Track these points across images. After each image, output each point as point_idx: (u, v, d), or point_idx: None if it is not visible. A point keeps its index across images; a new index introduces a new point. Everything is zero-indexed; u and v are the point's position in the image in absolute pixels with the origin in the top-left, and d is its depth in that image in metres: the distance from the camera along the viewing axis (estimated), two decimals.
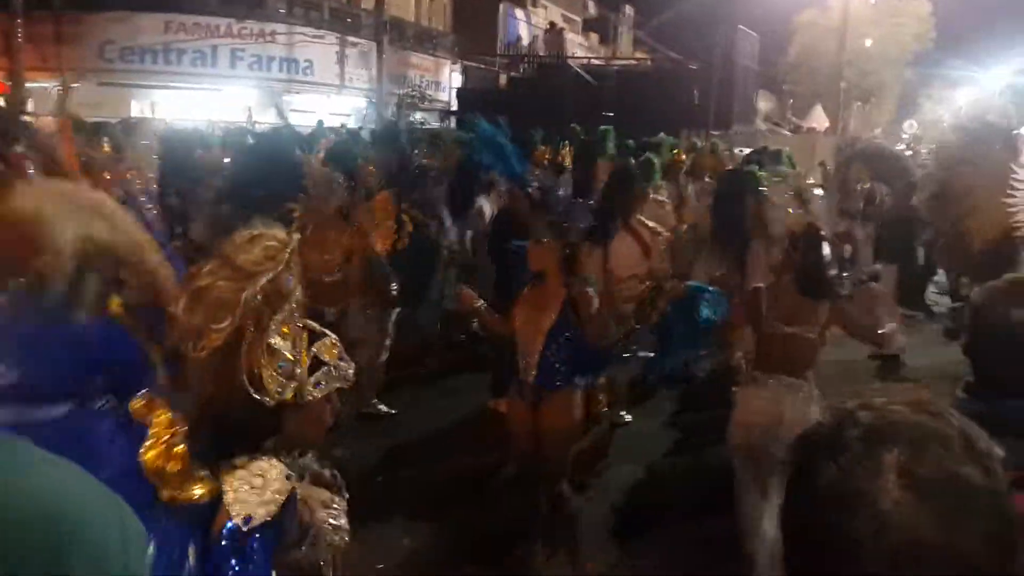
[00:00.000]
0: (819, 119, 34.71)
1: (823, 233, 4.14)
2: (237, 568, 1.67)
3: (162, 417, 1.78)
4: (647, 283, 5.38)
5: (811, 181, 7.14)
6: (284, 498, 1.79)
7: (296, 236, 1.92)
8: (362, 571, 4.02)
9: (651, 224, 6.34)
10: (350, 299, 5.42)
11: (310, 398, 1.86)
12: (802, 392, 3.92)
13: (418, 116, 21.52)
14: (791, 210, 4.28)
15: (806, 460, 0.95)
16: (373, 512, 4.46)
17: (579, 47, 32.88)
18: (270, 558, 1.73)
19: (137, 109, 17.98)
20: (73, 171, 2.77)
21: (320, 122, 6.04)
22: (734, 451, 4.05)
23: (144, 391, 1.85)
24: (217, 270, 1.80)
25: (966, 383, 1.84)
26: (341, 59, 23.15)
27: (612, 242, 5.68)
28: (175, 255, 2.41)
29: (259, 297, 1.79)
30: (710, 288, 4.67)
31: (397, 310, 6.09)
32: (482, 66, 24.16)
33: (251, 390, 1.77)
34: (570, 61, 21.31)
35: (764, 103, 39.60)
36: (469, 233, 8.17)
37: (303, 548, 1.85)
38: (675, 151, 9.79)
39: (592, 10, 41.01)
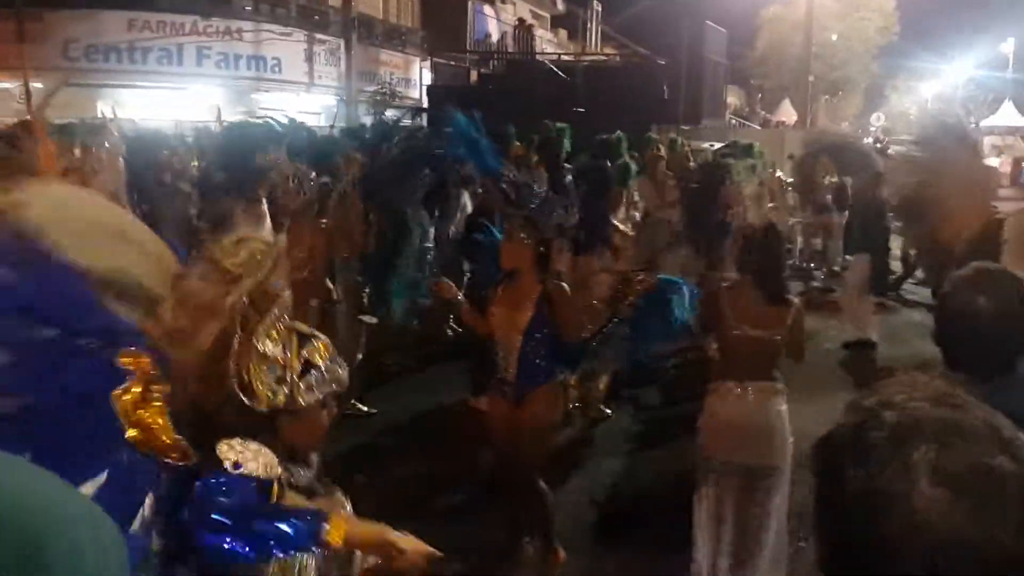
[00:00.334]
0: (787, 113, 35.08)
1: (780, 231, 4.16)
2: (218, 498, 1.66)
3: (145, 367, 1.76)
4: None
5: (779, 175, 7.20)
6: (274, 471, 1.77)
7: (282, 238, 1.92)
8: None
9: (620, 227, 6.38)
10: (317, 298, 5.37)
11: (303, 403, 1.83)
12: (773, 394, 3.92)
13: (389, 113, 21.37)
14: (769, 204, 4.31)
15: (832, 465, 0.93)
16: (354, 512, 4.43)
17: (548, 43, 32.89)
18: (248, 503, 1.71)
19: (102, 109, 17.75)
20: (52, 175, 2.72)
21: (291, 119, 5.98)
22: (703, 459, 4.03)
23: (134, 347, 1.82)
24: (203, 274, 1.79)
25: (940, 372, 1.87)
26: (309, 57, 22.97)
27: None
28: None
29: (246, 301, 1.77)
30: (680, 280, 4.67)
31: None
32: (452, 63, 24.10)
33: (241, 396, 1.76)
34: (541, 57, 21.32)
35: (733, 98, 39.88)
36: (453, 229, 8.16)
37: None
38: (656, 147, 9.85)
39: (560, 6, 41.02)
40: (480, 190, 7.34)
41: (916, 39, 41.67)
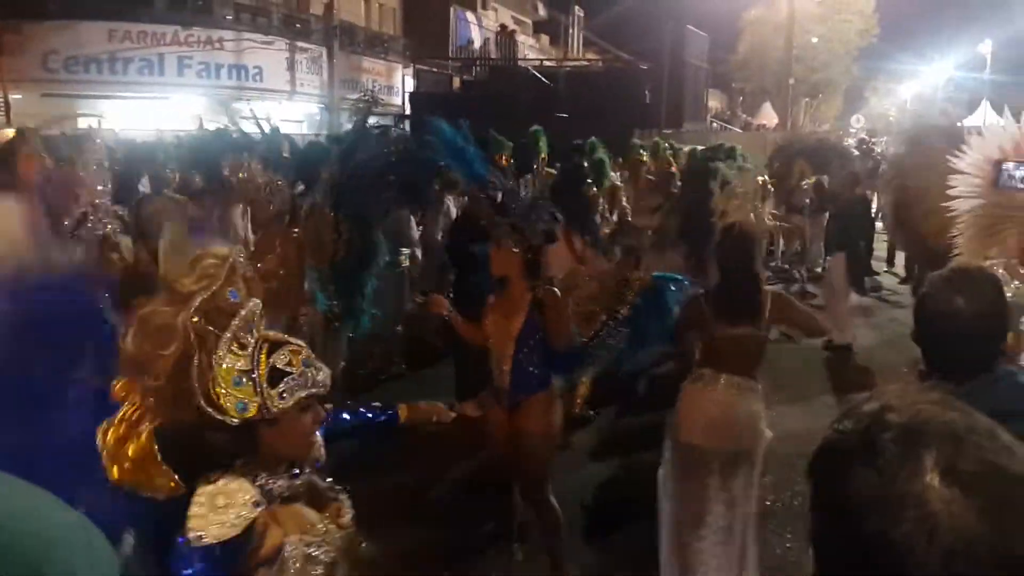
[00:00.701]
0: (768, 116, 35.30)
1: (749, 229, 4.10)
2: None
3: (135, 400, 1.77)
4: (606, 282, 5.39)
5: (761, 178, 7.23)
6: (243, 524, 1.77)
7: (238, 250, 1.90)
8: None
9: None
10: (290, 307, 5.31)
11: (276, 410, 1.82)
12: (747, 390, 3.93)
13: (372, 121, 21.32)
14: (756, 205, 4.29)
15: (836, 470, 0.92)
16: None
17: (531, 49, 32.96)
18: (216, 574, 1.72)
19: (83, 120, 17.66)
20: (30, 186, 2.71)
21: (276, 128, 5.94)
22: (675, 449, 4.01)
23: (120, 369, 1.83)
24: (159, 297, 1.79)
25: (919, 371, 1.88)
26: (291, 65, 22.96)
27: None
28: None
29: (200, 319, 1.76)
30: (679, 277, 4.61)
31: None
32: (434, 69, 24.08)
33: (211, 411, 1.75)
34: (523, 63, 21.36)
35: (714, 101, 40.12)
36: (440, 234, 8.16)
37: (267, 569, 1.81)
38: (639, 153, 9.90)
39: (542, 12, 41.16)
40: (465, 196, 7.33)
41: (896, 41, 42.05)
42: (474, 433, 4.70)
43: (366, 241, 5.22)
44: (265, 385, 1.80)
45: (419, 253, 8.73)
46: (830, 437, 0.95)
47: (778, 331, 4.44)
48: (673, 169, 9.35)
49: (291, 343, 1.90)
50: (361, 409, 2.63)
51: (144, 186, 7.27)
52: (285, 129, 11.02)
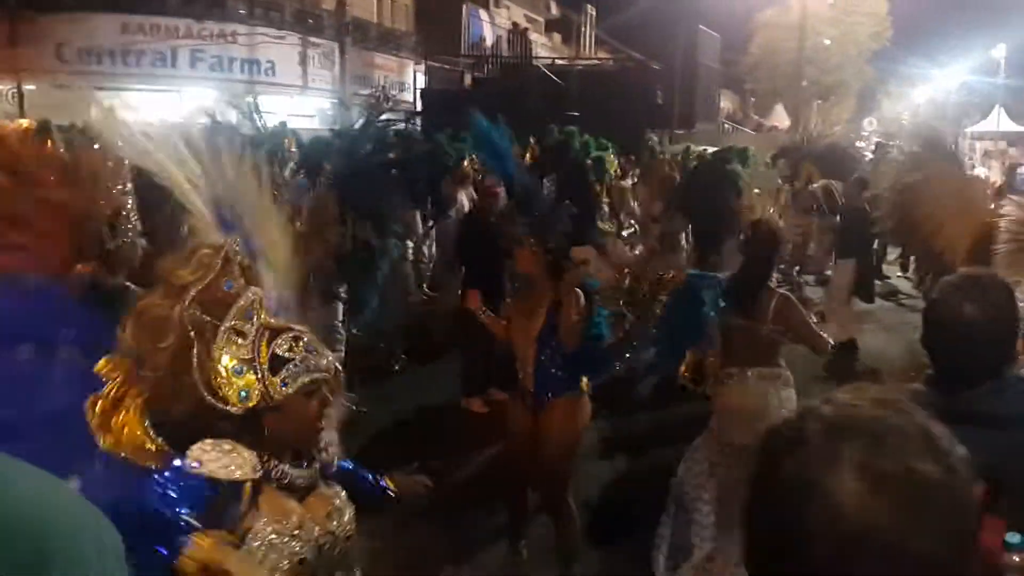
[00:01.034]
0: (780, 117, 35.16)
1: (773, 229, 4.17)
2: (160, 490, 1.70)
3: (124, 371, 1.77)
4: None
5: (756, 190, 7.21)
6: (240, 475, 1.78)
7: (232, 240, 1.91)
8: None
9: (605, 228, 6.38)
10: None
11: (279, 397, 1.83)
12: (774, 379, 3.97)
13: (384, 117, 21.32)
14: (770, 208, 4.32)
15: (769, 455, 0.96)
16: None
17: (542, 47, 32.92)
18: (192, 505, 1.72)
19: (96, 112, 17.68)
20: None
21: (283, 123, 5.94)
22: (719, 452, 4.01)
23: (112, 354, 1.84)
24: (156, 291, 1.81)
25: (926, 375, 1.88)
26: (303, 60, 22.96)
27: None
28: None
29: (196, 310, 1.77)
30: (713, 275, 4.52)
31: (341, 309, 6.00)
32: (446, 67, 24.10)
33: (214, 401, 1.76)
34: (534, 62, 21.35)
35: (726, 102, 39.97)
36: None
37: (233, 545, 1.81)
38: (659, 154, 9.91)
39: (554, 10, 41.08)
40: (475, 192, 7.34)
41: (909, 44, 41.78)
42: (488, 430, 4.71)
43: (375, 235, 5.21)
44: (267, 373, 1.81)
45: (426, 248, 8.75)
46: (773, 426, 0.99)
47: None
48: (674, 173, 9.28)
49: (292, 329, 1.89)
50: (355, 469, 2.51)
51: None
52: (297, 124, 11.06)
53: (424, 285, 9.28)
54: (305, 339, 1.89)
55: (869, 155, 14.25)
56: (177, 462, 1.75)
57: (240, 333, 1.81)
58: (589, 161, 8.99)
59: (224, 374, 1.77)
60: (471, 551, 4.52)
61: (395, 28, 28.57)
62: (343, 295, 5.36)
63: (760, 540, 0.96)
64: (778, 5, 38.47)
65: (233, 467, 1.78)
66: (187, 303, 1.77)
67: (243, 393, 1.78)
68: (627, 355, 4.31)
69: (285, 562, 1.86)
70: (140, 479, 1.79)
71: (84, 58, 19.18)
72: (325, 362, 1.92)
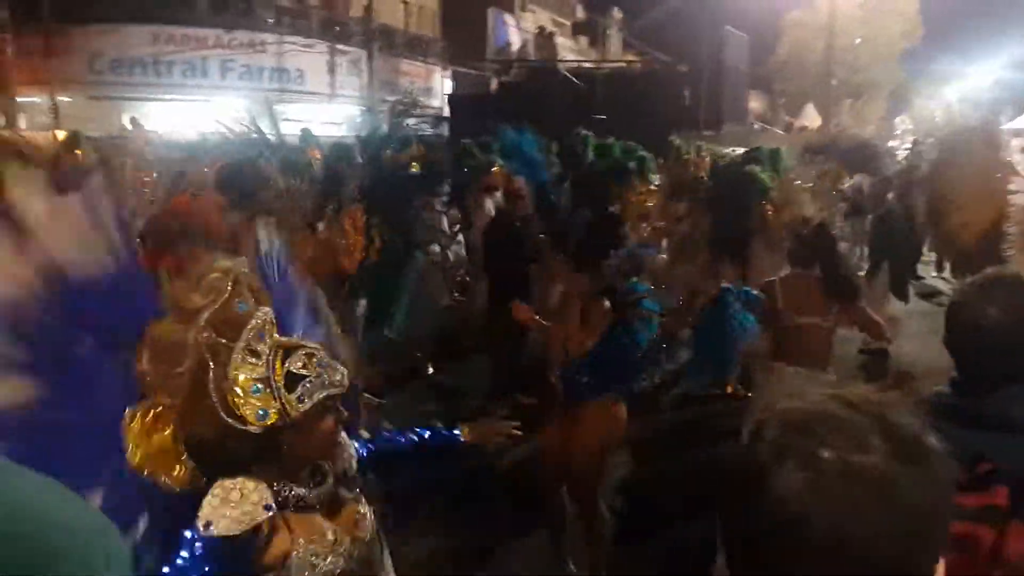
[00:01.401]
0: (811, 117, 34.82)
1: (834, 233, 4.23)
2: (178, 563, 1.72)
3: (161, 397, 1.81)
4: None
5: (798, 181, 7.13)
6: (251, 523, 1.79)
7: (241, 262, 1.93)
8: None
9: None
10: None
11: (296, 415, 1.84)
12: (826, 382, 3.95)
13: (411, 123, 21.44)
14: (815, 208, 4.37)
15: (738, 451, 1.00)
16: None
17: (569, 51, 32.90)
18: (217, 569, 1.74)
19: (128, 122, 17.97)
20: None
21: (306, 130, 5.98)
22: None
23: None
24: (168, 317, 1.84)
25: (950, 378, 1.85)
26: (332, 68, 23.16)
27: None
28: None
29: (210, 332, 1.80)
30: (746, 291, 4.41)
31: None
32: (472, 71, 24.17)
33: (232, 422, 1.78)
34: (560, 65, 21.32)
35: (756, 102, 39.66)
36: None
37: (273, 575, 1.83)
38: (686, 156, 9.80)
39: (581, 13, 41.07)
40: (502, 198, 7.35)
41: (940, 42, 41.19)
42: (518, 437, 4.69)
43: (401, 243, 5.21)
44: (283, 391, 1.82)
45: (451, 253, 8.75)
46: (751, 422, 1.01)
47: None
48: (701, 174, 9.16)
49: (305, 346, 1.92)
50: (415, 431, 2.55)
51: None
52: (326, 131, 11.14)
53: (452, 290, 9.32)
54: (318, 355, 1.91)
55: (903, 153, 14.09)
56: (188, 533, 1.75)
57: (254, 353, 1.83)
58: (632, 164, 8.93)
59: (241, 394, 1.79)
60: (500, 554, 4.52)
61: (422, 34, 28.73)
62: (364, 304, 5.35)
63: (726, 532, 1.00)
64: (806, 5, 38.20)
65: (240, 519, 1.79)
66: (200, 326, 1.80)
67: (261, 412, 1.80)
68: (657, 367, 4.26)
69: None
70: (166, 499, 1.82)
71: (116, 69, 19.50)
72: (339, 377, 1.93)
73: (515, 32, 30.75)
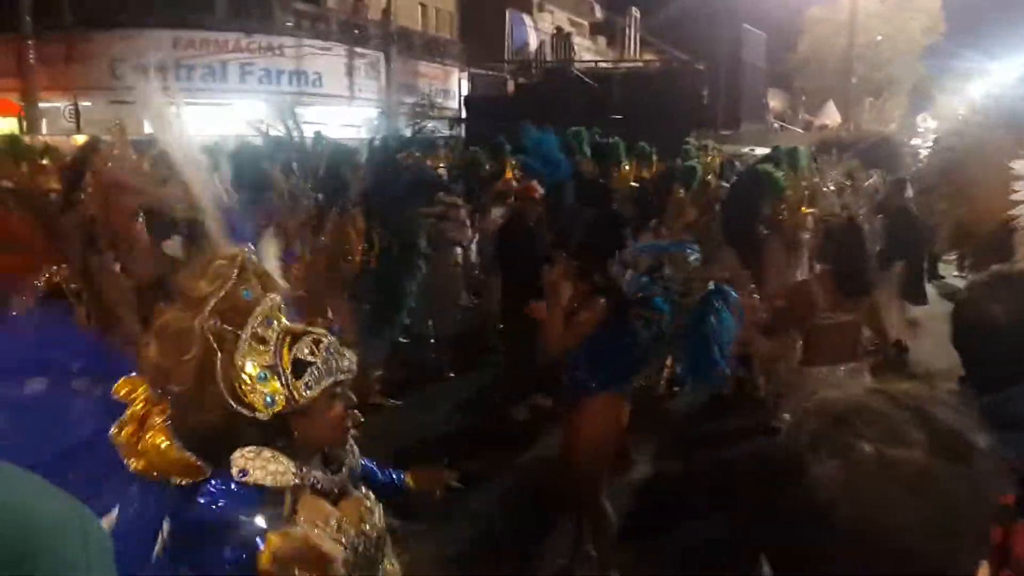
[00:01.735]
0: (831, 115, 34.55)
1: (864, 229, 4.24)
2: (211, 490, 1.74)
3: (141, 396, 1.82)
4: None
5: (813, 181, 7.09)
6: (285, 481, 1.81)
7: (247, 249, 1.93)
8: None
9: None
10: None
11: (304, 401, 1.85)
12: (863, 373, 3.99)
13: (429, 125, 21.54)
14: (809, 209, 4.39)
15: (776, 442, 1.01)
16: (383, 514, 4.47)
17: (587, 51, 32.87)
18: (248, 511, 1.75)
19: (149, 127, 18.11)
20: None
21: (317, 133, 5.97)
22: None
23: (128, 376, 1.87)
24: (175, 305, 1.84)
25: (960, 377, 1.83)
26: (350, 70, 23.25)
27: None
28: None
29: (216, 320, 1.80)
30: (730, 292, 4.26)
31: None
32: (490, 73, 24.20)
33: (240, 408, 1.79)
34: (577, 65, 21.32)
35: (776, 101, 39.44)
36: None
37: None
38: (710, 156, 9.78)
39: (599, 13, 41.00)
40: (514, 201, 7.34)
41: (963, 38, 40.74)
42: (533, 436, 4.68)
43: (403, 247, 5.18)
44: (290, 377, 1.83)
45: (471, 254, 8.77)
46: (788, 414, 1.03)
47: None
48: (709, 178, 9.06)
49: (312, 332, 1.91)
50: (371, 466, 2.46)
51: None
52: (345, 134, 11.17)
53: (469, 292, 9.33)
54: (326, 341, 1.91)
55: (925, 151, 13.94)
56: (223, 474, 1.77)
57: (261, 340, 1.83)
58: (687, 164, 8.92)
59: (248, 381, 1.80)
60: (500, 550, 4.52)
61: (439, 36, 28.80)
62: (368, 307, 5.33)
63: (761, 527, 1.00)
64: (827, 2, 37.92)
65: (277, 474, 1.81)
66: (207, 314, 1.80)
67: (268, 399, 1.80)
68: (646, 363, 4.28)
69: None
70: (179, 495, 1.83)
71: (137, 74, 19.67)
72: (347, 363, 1.94)
73: (533, 33, 30.76)
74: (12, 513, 0.72)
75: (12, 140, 9.42)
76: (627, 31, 35.97)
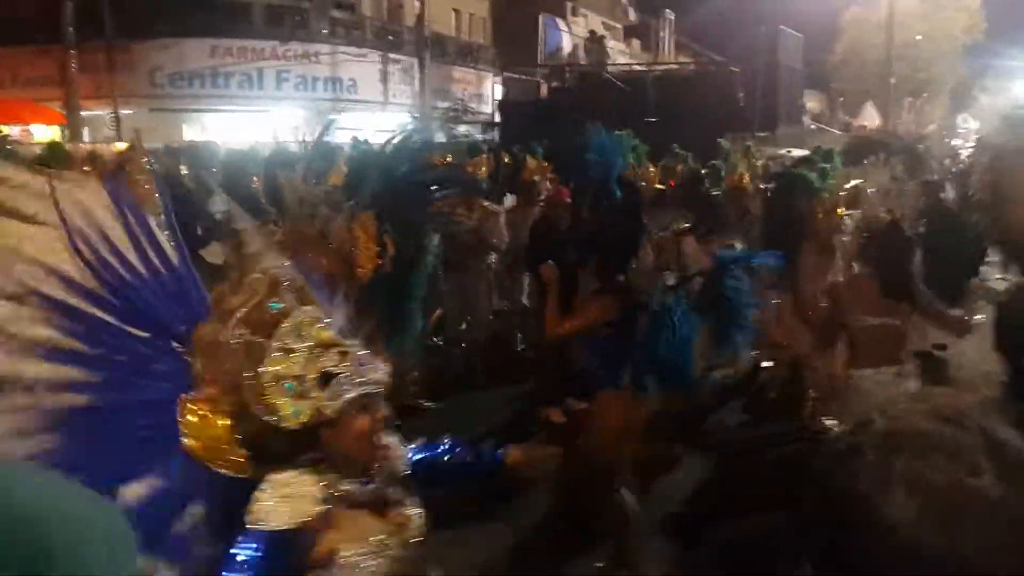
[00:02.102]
0: (870, 117, 34.13)
1: (908, 233, 4.18)
2: (239, 558, 1.75)
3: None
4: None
5: (855, 182, 6.99)
6: (303, 518, 1.81)
7: (280, 263, 1.96)
8: None
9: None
10: None
11: (330, 412, 1.85)
12: (904, 377, 3.95)
13: (462, 129, 21.65)
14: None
15: (822, 467, 0.95)
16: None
17: (621, 54, 32.79)
18: (271, 563, 1.76)
19: (188, 133, 18.40)
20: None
21: (355, 138, 6.02)
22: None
23: None
24: (212, 317, 1.90)
25: (1001, 380, 1.78)
26: (384, 76, 23.44)
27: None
28: None
29: (244, 331, 1.82)
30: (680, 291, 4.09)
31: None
32: (523, 77, 24.22)
33: (268, 418, 1.80)
34: (611, 68, 21.25)
35: (813, 102, 39.04)
36: None
37: (320, 572, 1.84)
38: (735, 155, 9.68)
39: (633, 16, 40.90)
40: (545, 206, 7.33)
41: (1005, 37, 40.04)
42: (567, 439, 4.67)
43: (415, 251, 5.15)
44: (315, 388, 1.83)
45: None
46: (831, 437, 0.98)
47: None
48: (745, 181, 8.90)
49: (341, 344, 1.91)
50: (459, 449, 2.47)
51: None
52: (379, 139, 11.26)
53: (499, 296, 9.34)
54: (354, 354, 1.91)
55: (966, 152, 13.70)
56: (242, 535, 1.78)
57: (289, 351, 1.85)
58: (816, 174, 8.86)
59: (275, 392, 1.81)
60: (532, 553, 4.50)
61: (473, 41, 28.91)
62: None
63: (813, 553, 0.95)
64: (865, 2, 37.50)
65: (293, 513, 1.81)
66: (232, 326, 1.83)
67: (294, 409, 1.81)
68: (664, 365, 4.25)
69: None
70: (221, 483, 1.86)
71: (176, 82, 20.00)
72: (376, 376, 1.93)
73: (566, 37, 30.74)
74: (26, 511, 0.72)
75: (54, 148, 9.63)
76: (661, 34, 35.83)
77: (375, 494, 1.99)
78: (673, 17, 36.65)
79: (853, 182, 6.77)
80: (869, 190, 6.44)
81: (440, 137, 6.12)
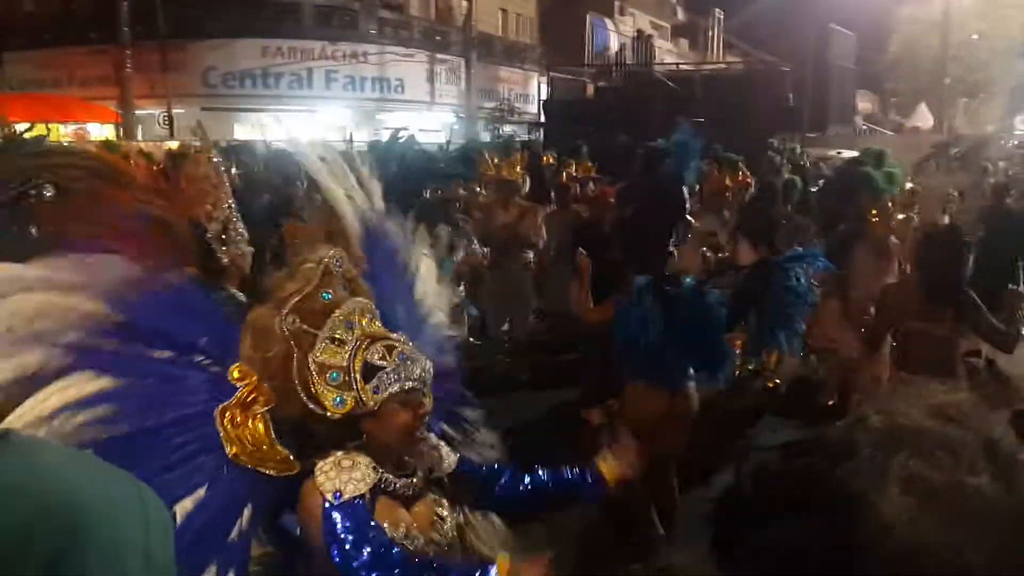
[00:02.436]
0: (923, 118, 33.44)
1: (965, 239, 4.08)
2: (337, 547, 1.76)
3: (250, 383, 1.86)
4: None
5: (910, 185, 6.86)
6: (372, 481, 1.84)
7: (333, 252, 1.98)
8: None
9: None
10: None
11: (372, 404, 1.87)
12: (960, 393, 3.85)
13: (507, 129, 21.68)
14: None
15: (819, 466, 0.94)
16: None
17: (668, 53, 32.55)
18: (365, 528, 1.79)
19: (240, 132, 18.68)
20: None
21: (397, 133, 6.10)
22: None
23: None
24: (266, 303, 1.92)
25: None
26: (431, 76, 23.56)
27: None
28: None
29: (296, 319, 1.85)
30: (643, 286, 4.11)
31: None
32: (569, 77, 24.17)
33: (313, 407, 1.82)
34: (658, 68, 21.12)
35: (865, 102, 38.41)
36: None
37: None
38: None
39: (681, 15, 40.58)
40: (589, 208, 7.32)
41: None
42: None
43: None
44: (359, 380, 1.85)
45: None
46: (828, 433, 0.97)
47: None
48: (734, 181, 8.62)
49: (388, 338, 1.93)
50: (539, 475, 2.42)
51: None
52: (425, 139, 11.32)
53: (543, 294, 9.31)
54: (399, 348, 1.93)
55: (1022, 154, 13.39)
56: (324, 506, 1.80)
57: (338, 341, 1.87)
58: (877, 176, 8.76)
59: (320, 381, 1.84)
60: (593, 555, 4.48)
61: (519, 41, 28.92)
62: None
63: (810, 552, 0.93)
64: (919, 1, 36.75)
65: (362, 479, 1.85)
66: (285, 313, 1.86)
67: (337, 399, 1.84)
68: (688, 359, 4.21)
69: None
70: (269, 487, 1.87)
71: (228, 82, 20.33)
72: (419, 371, 1.94)
73: (613, 36, 30.62)
74: (60, 494, 0.73)
75: (108, 146, 9.83)
76: (710, 33, 35.51)
77: (412, 489, 2.00)
78: (722, 16, 36.29)
79: (908, 185, 6.66)
80: (927, 193, 6.31)
81: (484, 136, 6.15)
